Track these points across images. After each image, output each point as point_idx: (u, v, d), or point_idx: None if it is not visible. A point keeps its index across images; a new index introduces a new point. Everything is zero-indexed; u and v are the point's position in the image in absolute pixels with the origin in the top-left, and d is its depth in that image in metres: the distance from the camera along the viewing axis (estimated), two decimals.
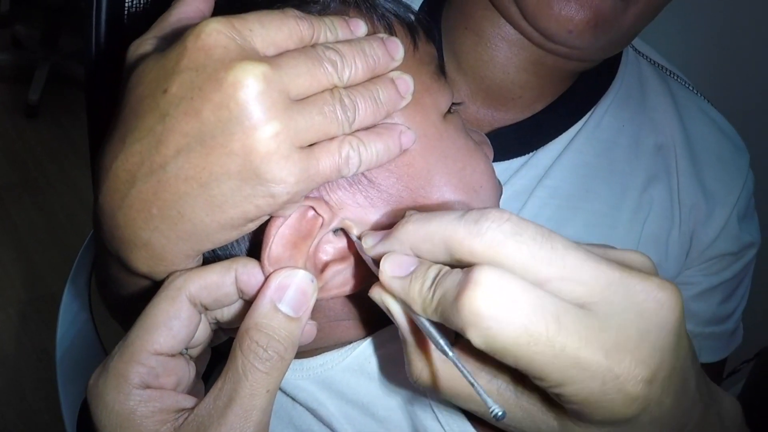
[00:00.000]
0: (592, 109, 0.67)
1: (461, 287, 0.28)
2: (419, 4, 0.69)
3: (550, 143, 0.65)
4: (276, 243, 0.37)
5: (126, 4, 0.60)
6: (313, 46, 0.36)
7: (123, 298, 0.42)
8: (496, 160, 0.62)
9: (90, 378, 0.35)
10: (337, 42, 0.37)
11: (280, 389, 0.45)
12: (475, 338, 0.28)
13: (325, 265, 0.39)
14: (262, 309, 0.35)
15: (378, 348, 0.42)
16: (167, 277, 0.37)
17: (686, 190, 0.67)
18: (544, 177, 0.64)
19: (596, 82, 0.68)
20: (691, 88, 0.74)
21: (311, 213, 0.38)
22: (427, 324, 0.31)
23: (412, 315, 0.32)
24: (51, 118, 2.49)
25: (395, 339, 0.41)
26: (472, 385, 0.29)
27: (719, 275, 0.69)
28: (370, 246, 0.36)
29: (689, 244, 0.68)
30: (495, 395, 0.32)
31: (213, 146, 0.33)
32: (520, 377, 0.32)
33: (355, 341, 0.43)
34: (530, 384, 0.31)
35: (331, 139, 0.35)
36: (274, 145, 0.32)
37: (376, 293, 0.34)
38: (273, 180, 0.33)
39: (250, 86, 0.32)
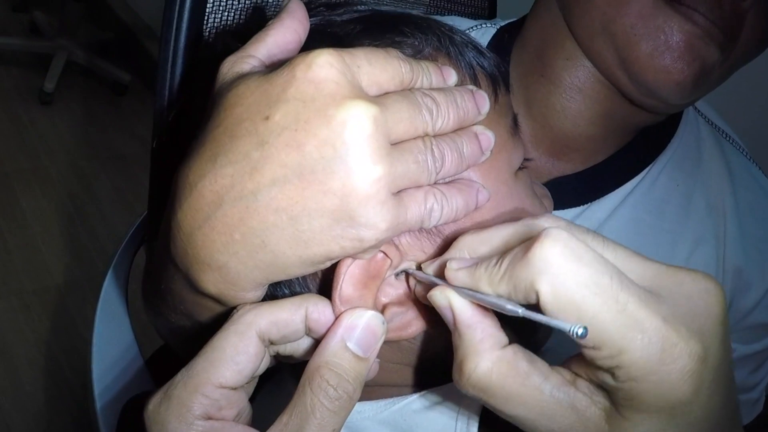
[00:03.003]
0: (650, 166, 0.67)
1: (530, 244, 0.30)
2: (485, 45, 0.69)
3: (606, 197, 0.65)
4: (346, 282, 0.37)
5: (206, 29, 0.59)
6: (411, 90, 0.36)
7: (180, 314, 0.42)
8: None
9: (149, 403, 0.35)
10: (432, 89, 0.37)
11: None
12: (544, 286, 0.29)
13: (384, 307, 0.39)
14: (333, 348, 0.35)
15: (417, 408, 0.42)
16: (233, 308, 0.37)
17: (731, 257, 0.66)
18: (598, 230, 0.63)
19: (656, 138, 0.68)
20: (744, 153, 0.74)
21: (380, 255, 0.38)
22: (494, 298, 0.31)
23: (476, 298, 0.33)
24: (65, 107, 2.49)
25: (434, 406, 0.41)
26: (549, 323, 0.29)
27: (753, 345, 0.69)
28: (428, 264, 0.37)
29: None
30: (548, 397, 0.31)
31: (311, 182, 0.32)
32: (571, 378, 0.32)
33: (392, 385, 0.43)
34: (582, 385, 0.31)
35: (418, 188, 0.35)
36: (375, 190, 0.32)
37: (437, 292, 0.34)
38: (366, 224, 0.33)
39: (361, 127, 0.32)
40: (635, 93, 0.59)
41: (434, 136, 0.36)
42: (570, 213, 0.64)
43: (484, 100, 0.38)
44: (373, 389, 0.43)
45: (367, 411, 0.42)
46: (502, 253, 0.32)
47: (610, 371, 0.29)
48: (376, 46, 0.36)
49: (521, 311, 0.30)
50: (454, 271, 0.34)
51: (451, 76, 0.38)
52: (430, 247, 0.39)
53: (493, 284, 0.32)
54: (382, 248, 0.38)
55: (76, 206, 2.14)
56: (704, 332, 0.29)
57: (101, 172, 2.26)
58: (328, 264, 0.36)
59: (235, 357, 0.35)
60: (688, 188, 0.67)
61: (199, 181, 0.35)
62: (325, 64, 0.32)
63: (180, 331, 0.44)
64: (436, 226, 0.39)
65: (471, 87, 0.39)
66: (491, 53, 0.45)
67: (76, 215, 2.12)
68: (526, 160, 0.44)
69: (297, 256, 0.34)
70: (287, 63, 0.34)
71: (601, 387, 0.31)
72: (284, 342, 0.37)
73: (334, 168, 0.32)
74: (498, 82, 0.43)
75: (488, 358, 0.32)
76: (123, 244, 0.74)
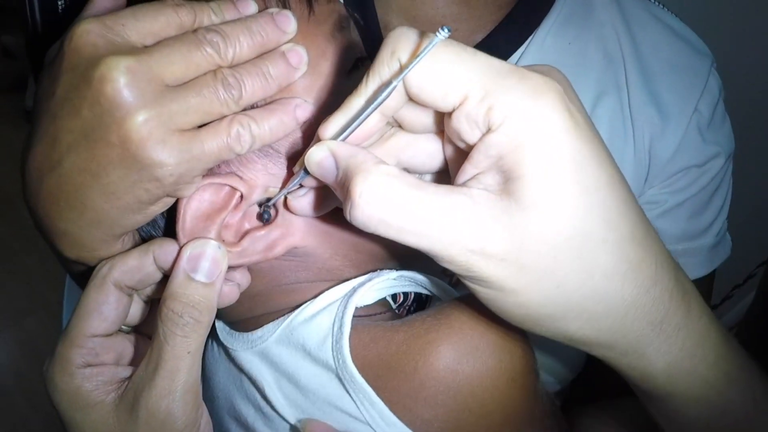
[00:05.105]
0: (533, 33, 0.64)
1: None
2: None
3: None
4: (189, 217, 0.39)
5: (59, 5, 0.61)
6: (195, 31, 0.36)
7: (77, 276, 0.45)
8: None
9: (43, 366, 0.39)
10: (222, 23, 0.37)
11: (233, 361, 0.47)
12: (403, 47, 0.32)
13: (246, 233, 0.41)
14: (176, 279, 0.37)
15: (301, 320, 0.43)
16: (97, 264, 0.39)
17: (638, 104, 0.64)
18: None
19: (537, 5, 0.65)
20: None
21: (227, 189, 0.40)
22: (371, 105, 0.33)
23: (354, 127, 0.34)
24: None
25: (316, 315, 0.42)
26: (421, 58, 0.30)
27: (685, 191, 0.66)
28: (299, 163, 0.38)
29: (648, 161, 0.64)
30: (446, 200, 0.31)
31: (95, 139, 0.34)
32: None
33: (293, 306, 0.44)
34: (470, 183, 0.32)
35: (223, 119, 0.36)
36: (146, 131, 0.34)
37: (313, 148, 0.34)
38: (153, 164, 0.34)
39: (115, 79, 0.33)
40: None
41: (234, 66, 0.37)
42: None
43: (286, 20, 0.39)
44: (278, 312, 0.45)
45: (266, 334, 0.44)
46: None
47: (487, 121, 0.30)
48: None
49: (393, 83, 0.31)
50: (325, 123, 0.35)
51: (248, 7, 0.39)
52: (278, 170, 0.40)
53: (362, 92, 0.33)
54: (226, 182, 0.39)
55: None
56: (554, 77, 0.31)
57: None
58: (154, 208, 0.37)
59: (97, 308, 0.38)
60: (581, 44, 0.65)
61: (26, 163, 0.38)
62: (83, 32, 0.34)
63: None
64: (275, 149, 0.40)
65: (272, 10, 0.39)
66: None
67: None
68: (361, 60, 0.44)
69: (115, 207, 0.36)
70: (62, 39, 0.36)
71: (486, 172, 0.31)
72: (144, 286, 0.40)
73: (107, 122, 0.34)
74: None
75: (377, 169, 0.31)
76: None
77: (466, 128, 0.31)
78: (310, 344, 0.42)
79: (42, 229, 0.40)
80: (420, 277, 0.45)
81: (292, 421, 0.43)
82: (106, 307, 0.38)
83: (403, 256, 0.47)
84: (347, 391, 0.40)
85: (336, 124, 0.34)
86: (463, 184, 0.32)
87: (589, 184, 0.30)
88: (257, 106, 0.39)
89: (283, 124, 0.38)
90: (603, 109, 0.63)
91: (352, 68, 0.43)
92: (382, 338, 0.40)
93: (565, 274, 0.31)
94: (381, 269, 0.45)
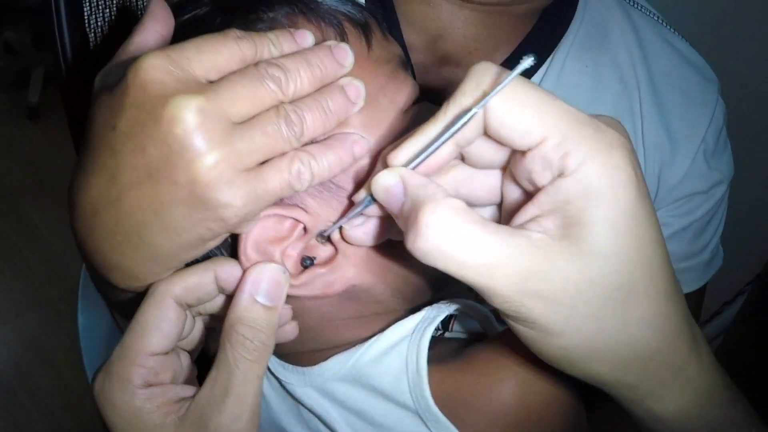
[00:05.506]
0: (552, 54, 0.65)
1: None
2: None
3: None
4: (252, 243, 0.39)
5: (89, 27, 0.62)
6: (256, 64, 0.36)
7: (117, 301, 0.46)
8: None
9: (95, 384, 0.39)
10: (282, 56, 0.37)
11: (289, 393, 0.48)
12: (487, 79, 0.32)
13: (305, 269, 0.41)
14: (243, 303, 0.38)
15: (368, 360, 0.44)
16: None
17: (650, 131, 0.65)
18: None
19: (555, 23, 0.66)
20: (655, 18, 0.71)
21: (289, 221, 0.40)
22: (445, 134, 0.33)
23: (424, 157, 0.34)
24: (53, 117, 2.53)
25: (383, 355, 0.43)
26: (502, 86, 0.31)
27: (690, 215, 0.68)
28: (360, 192, 0.38)
29: (656, 186, 0.67)
30: (508, 239, 0.31)
31: (160, 178, 0.34)
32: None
33: (348, 342, 0.45)
34: (530, 226, 0.32)
35: (283, 156, 0.36)
36: (216, 174, 0.34)
37: (383, 173, 0.34)
38: (219, 205, 0.34)
39: (186, 121, 0.33)
40: None
41: (294, 101, 0.36)
42: None
43: (344, 53, 0.38)
44: (331, 349, 0.45)
45: (327, 372, 0.45)
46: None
47: (561, 165, 0.31)
48: (223, 29, 0.37)
49: (473, 109, 0.31)
50: (396, 150, 0.34)
51: (306, 39, 0.39)
52: (338, 204, 0.41)
53: (439, 119, 0.33)
54: (290, 214, 0.40)
55: None
56: (621, 132, 0.32)
57: None
58: (212, 243, 0.38)
59: (158, 324, 0.38)
60: (597, 68, 0.65)
61: (77, 194, 0.38)
62: (149, 67, 0.34)
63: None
64: (335, 184, 0.41)
65: (329, 43, 0.39)
66: (359, 2, 0.44)
67: None
68: (419, 99, 0.44)
69: (175, 245, 0.36)
70: (125, 71, 0.35)
71: (547, 216, 0.32)
72: (201, 303, 0.41)
73: (175, 162, 0.34)
74: (369, 29, 0.43)
75: (445, 203, 0.32)
76: None
77: (538, 169, 0.32)
78: (383, 385, 0.43)
79: (91, 261, 0.40)
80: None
81: None
82: (167, 324, 0.38)
83: (437, 287, 0.48)
84: (428, 428, 0.42)
85: (408, 151, 0.35)
86: (522, 226, 0.32)
87: (641, 239, 0.32)
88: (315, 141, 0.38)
89: (340, 160, 0.38)
90: None
91: (409, 107, 0.43)
92: (450, 377, 0.42)
93: (607, 321, 0.32)
94: (423, 298, 0.46)
